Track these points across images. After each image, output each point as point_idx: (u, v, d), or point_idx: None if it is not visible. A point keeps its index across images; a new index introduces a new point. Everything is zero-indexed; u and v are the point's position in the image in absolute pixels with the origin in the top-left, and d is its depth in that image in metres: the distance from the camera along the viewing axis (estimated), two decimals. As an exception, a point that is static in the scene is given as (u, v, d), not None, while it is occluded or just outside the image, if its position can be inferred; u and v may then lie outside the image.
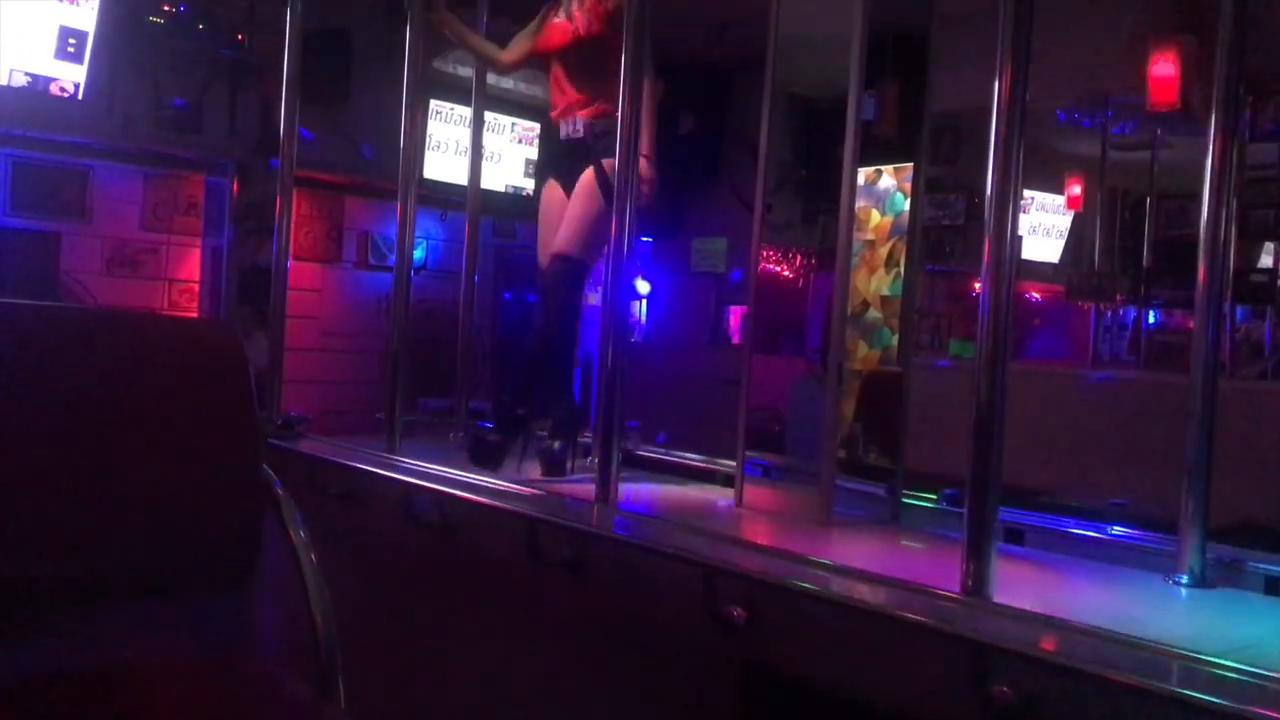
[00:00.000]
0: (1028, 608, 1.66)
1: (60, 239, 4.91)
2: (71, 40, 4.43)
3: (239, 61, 5.05)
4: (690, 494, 2.86)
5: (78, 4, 4.43)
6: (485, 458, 2.83)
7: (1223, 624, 1.83)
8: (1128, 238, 5.46)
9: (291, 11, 3.46)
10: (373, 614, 2.54)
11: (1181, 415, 2.00)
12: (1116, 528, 2.35)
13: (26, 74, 4.37)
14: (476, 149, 3.78)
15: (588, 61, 2.91)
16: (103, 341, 1.57)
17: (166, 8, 4.81)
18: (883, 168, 2.60)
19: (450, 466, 2.80)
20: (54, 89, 4.44)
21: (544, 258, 3.06)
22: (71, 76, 4.47)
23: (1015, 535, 2.37)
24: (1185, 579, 1.96)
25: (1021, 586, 1.88)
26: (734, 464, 2.65)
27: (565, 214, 2.95)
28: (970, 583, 1.71)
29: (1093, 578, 2.14)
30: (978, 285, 1.79)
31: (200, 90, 5.04)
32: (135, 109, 4.86)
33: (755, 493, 2.60)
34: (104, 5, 4.47)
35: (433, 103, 5.43)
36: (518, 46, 3.20)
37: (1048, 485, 3.27)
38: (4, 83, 4.32)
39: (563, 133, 3.00)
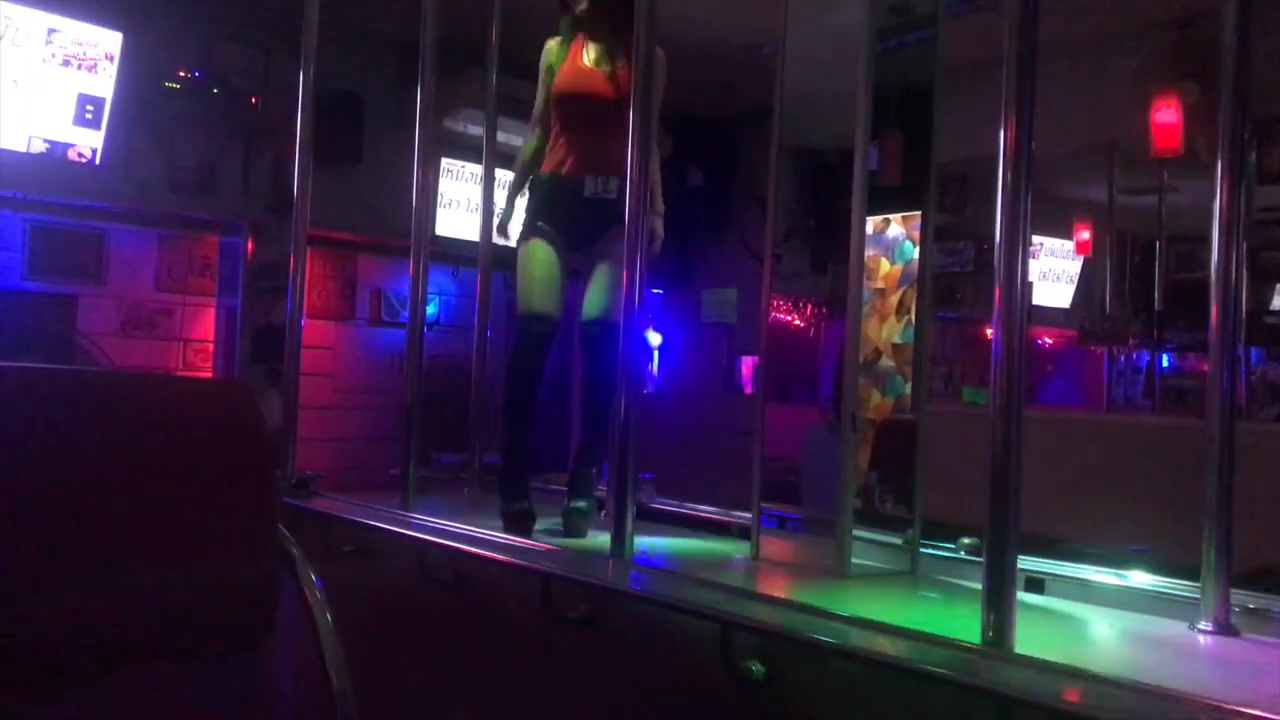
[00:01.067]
0: (1050, 658, 1.64)
1: (77, 301, 4.97)
2: (89, 107, 4.52)
3: (253, 124, 5.14)
4: (706, 547, 2.84)
5: (96, 71, 4.52)
6: (577, 526, 2.85)
7: (1250, 672, 1.79)
8: (1138, 281, 5.46)
9: (304, 75, 3.52)
10: (388, 672, 2.52)
11: (1199, 459, 1.99)
12: (1138, 575, 2.32)
13: (45, 140, 4.45)
14: (488, 205, 3.82)
15: (621, 121, 2.74)
16: (117, 404, 1.58)
17: (182, 73, 4.91)
18: (891, 216, 2.61)
19: (464, 523, 2.79)
20: (72, 154, 4.52)
21: (528, 306, 2.94)
22: (89, 142, 4.55)
23: (1035, 584, 2.34)
24: (1210, 626, 1.93)
25: (1043, 636, 1.86)
26: (749, 516, 2.63)
27: (610, 280, 2.90)
28: (991, 633, 1.69)
29: (1115, 626, 2.11)
30: (989, 331, 1.79)
31: (215, 153, 5.13)
32: (151, 172, 4.94)
33: (772, 545, 2.58)
34: (122, 72, 4.57)
35: (444, 161, 5.50)
36: (539, 124, 3.09)
37: (1067, 532, 3.23)
38: (23, 149, 4.40)
39: (588, 189, 2.92)
